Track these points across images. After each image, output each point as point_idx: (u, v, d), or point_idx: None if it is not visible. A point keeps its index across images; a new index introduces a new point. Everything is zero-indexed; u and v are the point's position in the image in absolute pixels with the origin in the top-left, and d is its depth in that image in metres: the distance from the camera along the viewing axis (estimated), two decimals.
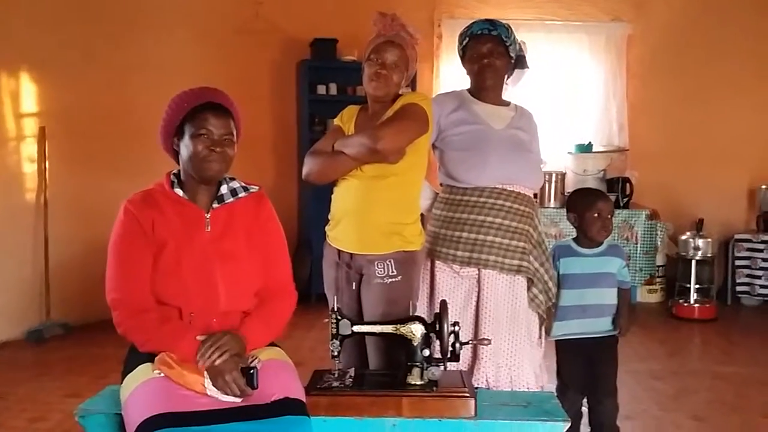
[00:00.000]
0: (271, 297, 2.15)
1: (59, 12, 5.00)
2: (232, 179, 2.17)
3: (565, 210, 3.09)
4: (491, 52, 2.65)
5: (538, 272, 2.65)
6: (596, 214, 2.82)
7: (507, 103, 2.78)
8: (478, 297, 2.61)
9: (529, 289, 2.64)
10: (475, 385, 2.49)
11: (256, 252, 2.13)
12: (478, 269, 2.60)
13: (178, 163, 2.13)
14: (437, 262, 2.66)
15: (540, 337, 2.75)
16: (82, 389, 3.72)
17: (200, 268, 2.03)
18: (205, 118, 2.03)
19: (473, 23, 2.71)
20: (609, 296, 2.86)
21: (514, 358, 2.60)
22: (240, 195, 2.14)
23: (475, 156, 2.62)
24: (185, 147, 2.05)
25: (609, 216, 2.85)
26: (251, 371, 1.88)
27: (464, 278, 2.62)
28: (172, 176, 2.12)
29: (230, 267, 2.06)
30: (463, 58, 2.75)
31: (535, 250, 2.66)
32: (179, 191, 2.08)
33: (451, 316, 2.35)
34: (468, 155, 2.63)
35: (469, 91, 2.76)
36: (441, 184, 2.76)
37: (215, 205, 2.10)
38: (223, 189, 2.12)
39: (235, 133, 2.09)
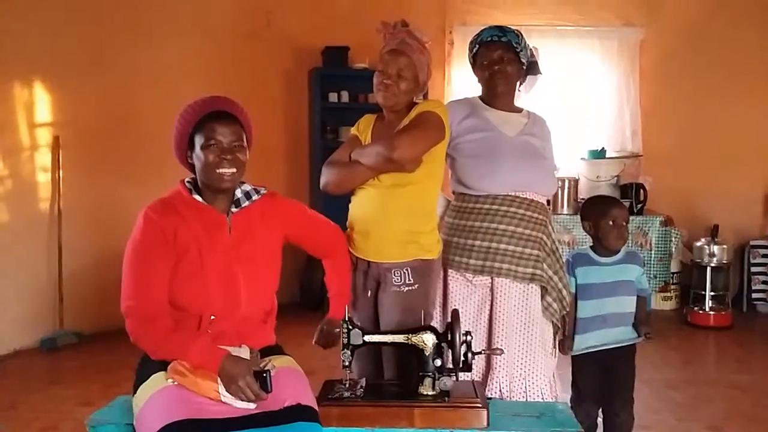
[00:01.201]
0: (329, 251, 2.40)
1: (70, 21, 5.03)
2: (242, 183, 2.18)
3: (578, 217, 3.06)
4: (501, 59, 2.63)
5: (552, 280, 2.63)
6: (611, 222, 2.78)
7: (519, 110, 2.76)
8: (492, 306, 2.59)
9: (543, 297, 2.62)
10: (489, 396, 2.47)
11: (273, 255, 2.16)
12: (492, 278, 2.58)
13: (196, 175, 2.14)
14: (450, 271, 2.63)
15: (554, 347, 2.72)
16: (94, 398, 3.74)
17: (223, 273, 2.04)
18: (212, 128, 2.05)
19: (483, 30, 2.69)
20: (629, 304, 2.83)
21: (529, 367, 2.57)
22: (254, 198, 2.16)
23: (487, 163, 2.60)
24: (197, 158, 2.07)
25: (624, 223, 2.81)
26: (264, 374, 1.88)
27: (477, 287, 2.60)
28: (187, 183, 2.13)
29: (252, 270, 2.09)
30: (474, 65, 2.74)
31: (549, 258, 2.63)
32: (198, 197, 2.09)
33: (464, 326, 2.35)
34: (480, 162, 2.61)
35: (481, 98, 2.74)
36: (453, 192, 2.75)
37: (234, 210, 2.12)
38: (238, 193, 2.14)
39: (245, 138, 2.11)
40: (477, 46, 2.68)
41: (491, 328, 2.59)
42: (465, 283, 2.62)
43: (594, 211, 2.86)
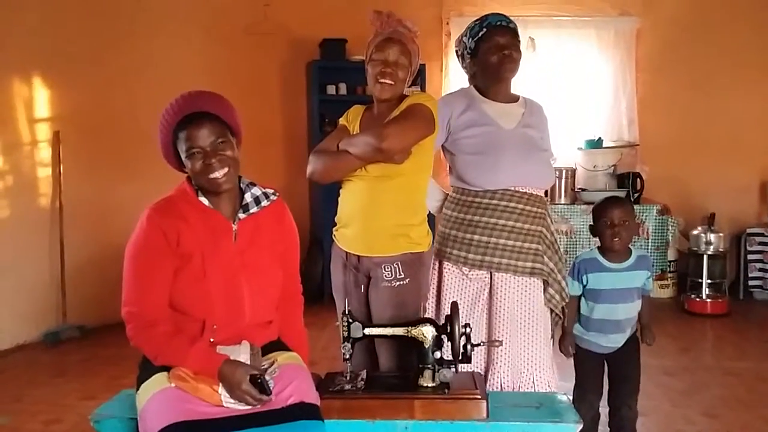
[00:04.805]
0: (285, 306, 2.21)
1: (70, 16, 5.04)
2: (253, 185, 2.13)
3: (575, 206, 3.04)
4: (510, 44, 2.60)
5: (552, 273, 2.62)
6: (608, 222, 2.72)
7: (516, 99, 2.72)
8: (490, 300, 2.60)
9: (545, 290, 2.62)
10: (489, 390, 2.48)
11: (277, 261, 2.13)
12: (490, 272, 2.58)
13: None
14: (446, 263, 2.64)
15: (552, 336, 2.74)
16: (97, 391, 3.78)
17: (227, 281, 2.00)
18: (189, 136, 1.97)
19: (487, 16, 2.64)
20: (639, 308, 2.83)
21: (535, 361, 2.57)
22: (263, 204, 2.11)
23: (487, 160, 2.57)
24: (187, 166, 2.02)
25: (623, 222, 2.71)
26: (259, 380, 1.87)
27: (473, 280, 2.61)
28: (194, 183, 2.06)
29: (256, 279, 2.05)
30: (473, 53, 2.66)
31: (549, 250, 2.63)
32: (204, 200, 2.04)
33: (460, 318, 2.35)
34: (479, 159, 2.59)
35: (477, 88, 2.70)
36: (451, 186, 2.74)
37: (241, 215, 2.07)
38: (248, 197, 2.09)
39: (230, 131, 2.02)
40: (484, 30, 2.62)
41: (491, 321, 2.60)
42: (460, 276, 2.62)
43: (596, 212, 2.81)
